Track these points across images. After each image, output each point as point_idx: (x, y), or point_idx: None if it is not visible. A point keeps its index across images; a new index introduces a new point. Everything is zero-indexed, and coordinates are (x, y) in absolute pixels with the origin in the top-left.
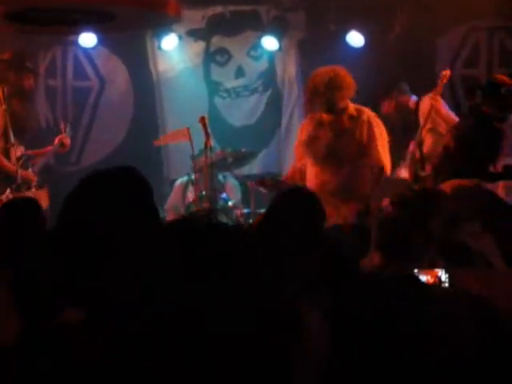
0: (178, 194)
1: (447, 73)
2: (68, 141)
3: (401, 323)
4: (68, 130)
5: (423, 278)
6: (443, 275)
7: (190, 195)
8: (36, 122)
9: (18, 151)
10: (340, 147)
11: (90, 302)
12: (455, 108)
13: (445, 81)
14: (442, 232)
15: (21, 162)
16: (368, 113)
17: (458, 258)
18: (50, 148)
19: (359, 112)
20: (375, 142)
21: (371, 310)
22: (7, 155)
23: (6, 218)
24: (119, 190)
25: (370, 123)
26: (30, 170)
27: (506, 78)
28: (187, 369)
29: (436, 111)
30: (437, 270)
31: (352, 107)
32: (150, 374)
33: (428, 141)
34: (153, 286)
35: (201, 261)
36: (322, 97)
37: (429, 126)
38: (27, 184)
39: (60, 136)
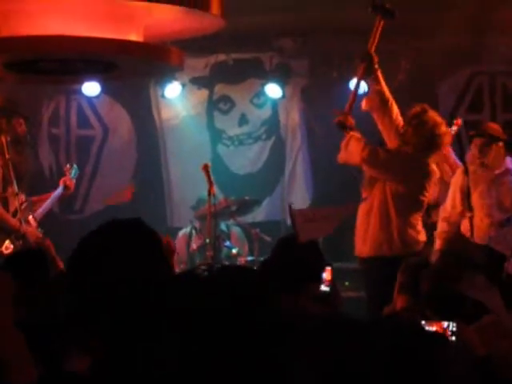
0: (182, 244)
1: (459, 122)
2: (72, 183)
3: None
4: (73, 171)
5: (430, 329)
6: (450, 328)
7: (195, 245)
8: (35, 168)
9: (19, 199)
10: None
11: (96, 350)
12: (460, 155)
13: (456, 129)
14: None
15: (22, 209)
16: None
17: (460, 311)
18: (51, 193)
19: None
20: None
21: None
22: (6, 205)
23: (14, 271)
24: (128, 244)
25: None
26: (30, 217)
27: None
28: None
29: (445, 159)
30: (443, 322)
31: None
32: None
33: (435, 189)
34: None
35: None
36: None
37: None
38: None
39: (64, 178)
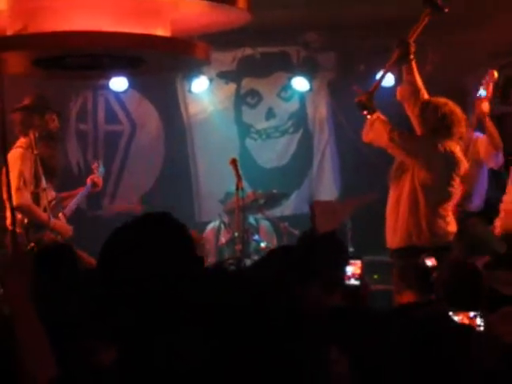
0: (211, 239)
1: (494, 72)
2: (100, 180)
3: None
4: (100, 169)
5: (456, 318)
6: (478, 318)
7: (223, 238)
8: (64, 164)
9: (49, 195)
10: None
11: (124, 341)
12: None
13: (492, 82)
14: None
15: (52, 205)
16: None
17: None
18: (81, 189)
19: None
20: None
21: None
22: (38, 200)
23: (42, 264)
24: (159, 238)
25: None
26: (60, 214)
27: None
28: None
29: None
30: (470, 312)
31: None
32: None
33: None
34: (185, 332)
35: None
36: None
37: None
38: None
39: (91, 176)
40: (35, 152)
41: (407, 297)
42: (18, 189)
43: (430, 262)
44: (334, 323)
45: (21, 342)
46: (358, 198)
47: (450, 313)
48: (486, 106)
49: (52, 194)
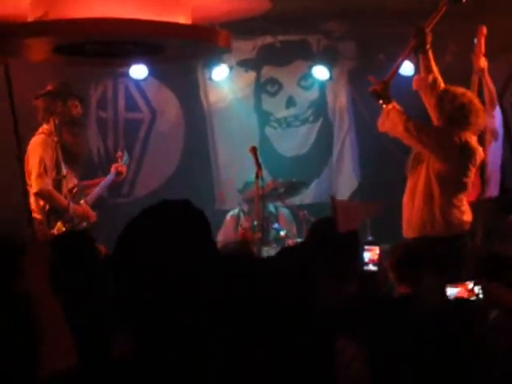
0: (230, 227)
1: (483, 28)
2: (124, 169)
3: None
4: (125, 158)
5: (454, 290)
6: (476, 288)
7: (244, 226)
8: (87, 151)
9: (71, 183)
10: None
11: (142, 330)
12: (507, 136)
13: (482, 38)
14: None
15: (73, 193)
16: None
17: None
18: (103, 178)
19: None
20: None
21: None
22: (59, 187)
23: (60, 251)
24: (178, 225)
25: None
26: (82, 201)
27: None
28: None
29: (484, 75)
30: (468, 282)
31: None
32: None
33: None
34: (202, 316)
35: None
36: None
37: None
38: (80, 219)
39: (116, 164)
40: (55, 139)
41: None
42: (39, 175)
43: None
44: (349, 316)
45: (41, 328)
46: (377, 202)
47: (449, 286)
48: (483, 62)
49: (74, 181)
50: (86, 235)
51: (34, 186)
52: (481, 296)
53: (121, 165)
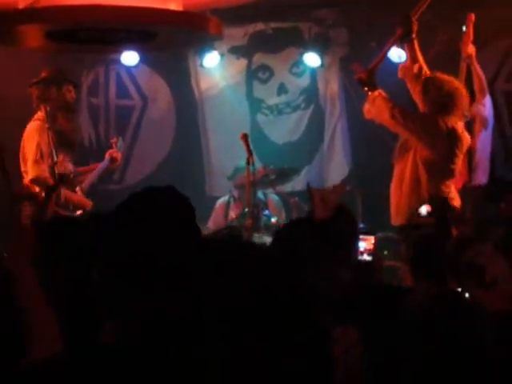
0: (220, 214)
1: (472, 16)
2: (119, 155)
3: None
4: (119, 144)
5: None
6: (464, 295)
7: (233, 214)
8: (81, 136)
9: (67, 169)
10: None
11: (128, 316)
12: (497, 123)
13: (471, 25)
14: (455, 252)
15: (69, 179)
16: None
17: (472, 278)
18: (98, 164)
19: None
20: None
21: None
22: (53, 174)
23: (48, 237)
24: (161, 212)
25: None
26: (78, 188)
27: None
28: None
29: (472, 62)
30: (455, 289)
31: None
32: None
33: None
34: (191, 304)
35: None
36: None
37: None
38: (76, 206)
39: (110, 150)
40: (47, 126)
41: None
42: (36, 161)
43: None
44: (347, 305)
45: (25, 314)
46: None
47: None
48: (471, 48)
49: (69, 167)
50: (72, 221)
51: (30, 173)
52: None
53: (115, 151)
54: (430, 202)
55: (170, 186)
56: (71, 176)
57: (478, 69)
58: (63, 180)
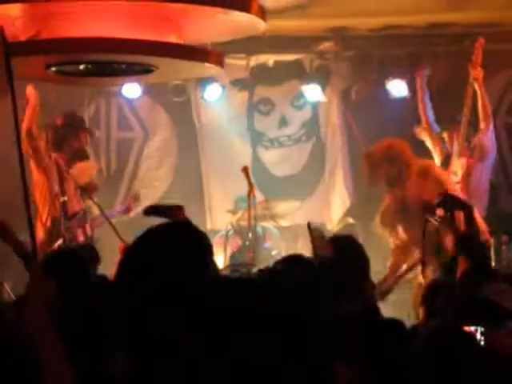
0: (219, 247)
1: (481, 41)
2: (134, 208)
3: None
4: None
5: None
6: (478, 334)
7: (234, 247)
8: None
9: (77, 207)
10: None
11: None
12: (499, 156)
13: (480, 49)
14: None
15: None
16: None
17: (485, 316)
18: (115, 211)
19: None
20: None
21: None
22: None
23: (60, 265)
24: (177, 246)
25: None
26: (87, 225)
27: None
28: None
29: (479, 86)
30: (470, 327)
31: None
32: None
33: None
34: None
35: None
36: None
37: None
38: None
39: (130, 202)
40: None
41: None
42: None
43: None
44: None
45: (41, 363)
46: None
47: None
48: (479, 71)
49: (81, 205)
50: (90, 250)
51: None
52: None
53: (134, 203)
54: (441, 205)
55: (187, 221)
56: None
57: (484, 93)
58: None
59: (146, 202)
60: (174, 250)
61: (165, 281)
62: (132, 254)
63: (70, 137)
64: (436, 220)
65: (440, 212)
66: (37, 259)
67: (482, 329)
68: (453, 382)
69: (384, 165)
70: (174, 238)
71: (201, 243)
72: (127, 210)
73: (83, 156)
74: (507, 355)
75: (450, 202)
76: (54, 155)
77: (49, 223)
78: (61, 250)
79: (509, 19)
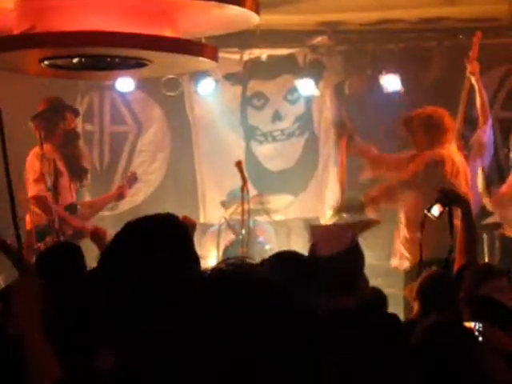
0: (213, 240)
1: (479, 35)
2: (127, 192)
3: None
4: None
5: None
6: (477, 328)
7: (227, 241)
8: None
9: (69, 197)
10: None
11: (126, 344)
12: (493, 151)
13: (478, 43)
14: (471, 286)
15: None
16: None
17: (485, 313)
18: (107, 196)
19: None
20: None
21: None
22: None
23: (47, 264)
24: (160, 239)
25: None
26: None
27: None
28: None
29: (476, 80)
30: (469, 323)
31: None
32: None
33: None
34: (186, 334)
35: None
36: None
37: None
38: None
39: (121, 186)
40: (42, 152)
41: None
42: (35, 180)
43: None
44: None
45: (27, 356)
46: (359, 223)
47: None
48: (475, 66)
49: (74, 197)
50: (73, 247)
51: (29, 191)
52: (480, 338)
53: (126, 188)
54: (440, 201)
55: (170, 214)
56: (77, 206)
57: (481, 87)
58: (69, 209)
59: (140, 195)
60: (155, 243)
61: (145, 274)
62: (112, 249)
63: (56, 119)
64: (434, 216)
65: (439, 207)
66: (24, 258)
67: (481, 325)
68: (451, 379)
69: (421, 131)
70: (154, 230)
71: (182, 235)
72: (120, 195)
73: (74, 136)
74: (506, 352)
75: (448, 197)
76: (46, 147)
77: (38, 215)
78: (55, 246)
79: (502, 13)
